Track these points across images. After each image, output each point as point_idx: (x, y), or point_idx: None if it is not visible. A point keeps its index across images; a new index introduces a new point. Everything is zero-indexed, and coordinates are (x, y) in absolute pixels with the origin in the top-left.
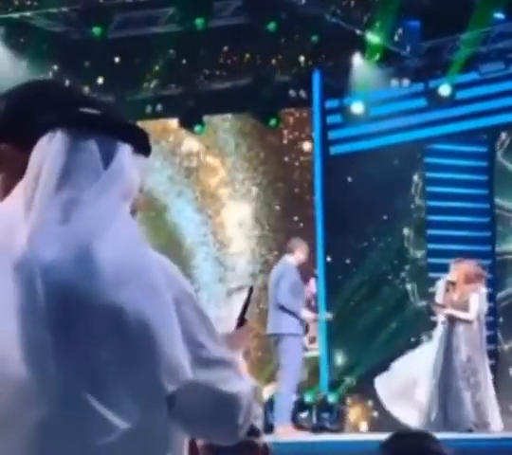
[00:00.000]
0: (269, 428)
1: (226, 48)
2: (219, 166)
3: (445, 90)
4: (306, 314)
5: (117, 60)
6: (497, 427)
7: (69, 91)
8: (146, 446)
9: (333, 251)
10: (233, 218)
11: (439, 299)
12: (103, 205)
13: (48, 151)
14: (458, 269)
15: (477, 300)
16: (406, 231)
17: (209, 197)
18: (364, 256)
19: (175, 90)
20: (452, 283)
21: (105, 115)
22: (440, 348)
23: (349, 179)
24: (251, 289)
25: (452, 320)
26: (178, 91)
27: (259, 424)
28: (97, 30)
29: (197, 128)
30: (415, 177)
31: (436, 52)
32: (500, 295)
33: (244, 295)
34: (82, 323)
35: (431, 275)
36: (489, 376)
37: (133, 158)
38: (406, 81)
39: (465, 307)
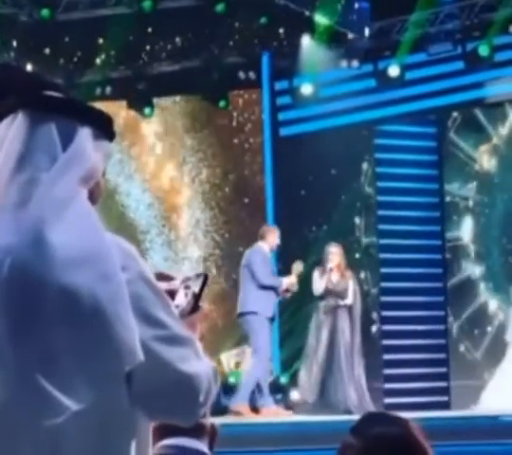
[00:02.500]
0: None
1: (174, 30)
2: (168, 148)
3: (394, 71)
4: (285, 280)
5: (65, 42)
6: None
7: (31, 75)
8: (102, 427)
9: (283, 233)
10: (183, 201)
11: (317, 285)
12: (61, 188)
13: (9, 132)
14: (340, 254)
15: (354, 285)
16: (356, 212)
17: (158, 180)
18: (315, 238)
19: (125, 72)
20: (331, 269)
21: (67, 98)
22: (324, 331)
23: (299, 161)
24: (206, 277)
25: (335, 305)
26: (127, 73)
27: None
28: (45, 12)
29: (147, 110)
30: (365, 158)
31: (385, 33)
32: (452, 279)
33: (199, 282)
34: (36, 307)
35: (382, 256)
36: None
37: (96, 142)
38: (355, 62)
39: (344, 291)
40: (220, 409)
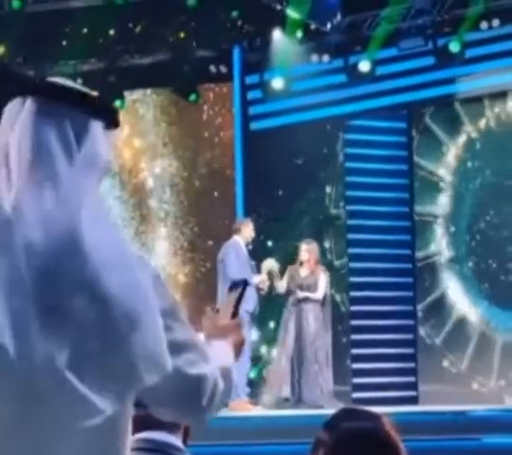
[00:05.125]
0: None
1: (146, 23)
2: (139, 141)
3: (364, 66)
4: (255, 278)
5: (35, 34)
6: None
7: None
8: (118, 430)
9: (254, 226)
10: (153, 194)
11: (278, 283)
12: (81, 185)
13: (19, 116)
14: (312, 250)
15: (325, 281)
16: (326, 207)
17: (128, 173)
18: (285, 231)
19: (96, 65)
20: (301, 263)
21: (77, 89)
22: (291, 325)
23: (269, 155)
24: (245, 285)
25: (301, 299)
26: (98, 66)
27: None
28: (16, 3)
29: (118, 103)
30: (335, 153)
31: (356, 28)
32: (418, 254)
33: (239, 289)
34: (68, 310)
35: (351, 251)
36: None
37: (105, 133)
38: (326, 57)
39: (314, 286)
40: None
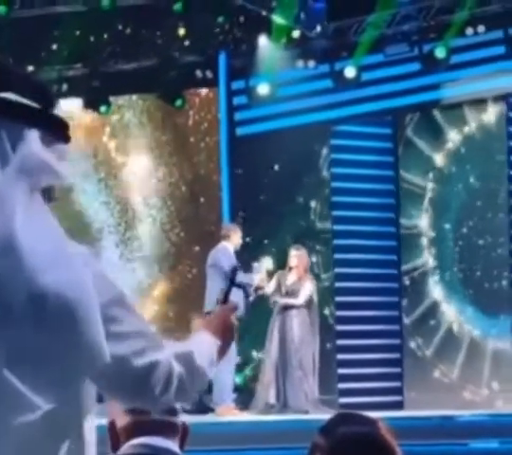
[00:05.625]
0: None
1: (132, 28)
2: (125, 147)
3: (350, 72)
4: (256, 277)
5: (21, 39)
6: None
7: None
8: (62, 427)
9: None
10: (139, 199)
11: (265, 282)
12: (15, 192)
13: None
14: (302, 256)
15: (309, 288)
16: (312, 212)
17: (113, 179)
18: (271, 237)
19: (81, 70)
20: (289, 268)
21: (16, 102)
22: (275, 331)
23: (255, 160)
24: (235, 271)
25: (286, 306)
26: (84, 71)
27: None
28: (2, 9)
29: (103, 108)
30: (321, 158)
31: (342, 34)
32: (403, 268)
33: (222, 275)
34: (6, 310)
35: (337, 256)
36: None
37: (47, 145)
38: (312, 63)
39: (297, 292)
40: (202, 408)
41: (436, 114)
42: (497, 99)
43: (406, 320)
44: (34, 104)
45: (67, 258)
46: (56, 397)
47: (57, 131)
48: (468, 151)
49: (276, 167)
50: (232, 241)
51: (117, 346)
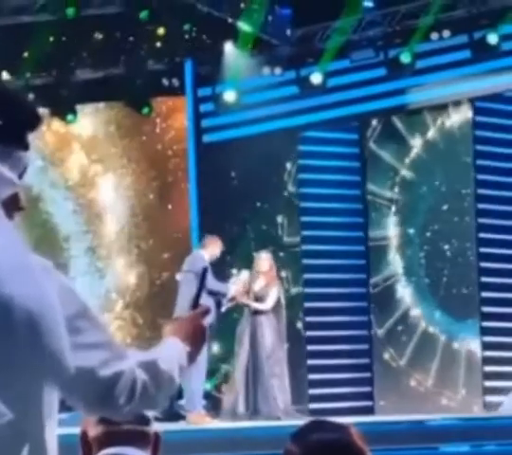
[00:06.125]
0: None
1: (98, 37)
2: (92, 155)
3: (316, 78)
4: (233, 287)
5: None
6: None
7: None
8: (18, 437)
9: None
10: (107, 207)
11: (236, 288)
12: None
13: None
14: (268, 260)
15: (276, 293)
16: (280, 219)
17: (82, 187)
18: (239, 244)
19: (48, 79)
20: (257, 273)
21: None
22: (245, 337)
23: (223, 167)
24: (205, 272)
25: (255, 311)
26: (50, 80)
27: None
28: None
29: (70, 117)
30: (288, 164)
31: (308, 40)
32: (372, 280)
33: (196, 281)
34: None
35: (305, 261)
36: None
37: (2, 155)
38: (278, 70)
39: (266, 296)
40: (173, 415)
41: (397, 122)
42: (458, 103)
43: (378, 332)
44: None
45: (31, 271)
46: (19, 406)
47: (14, 142)
48: (432, 156)
49: (244, 173)
50: (209, 251)
51: (81, 357)
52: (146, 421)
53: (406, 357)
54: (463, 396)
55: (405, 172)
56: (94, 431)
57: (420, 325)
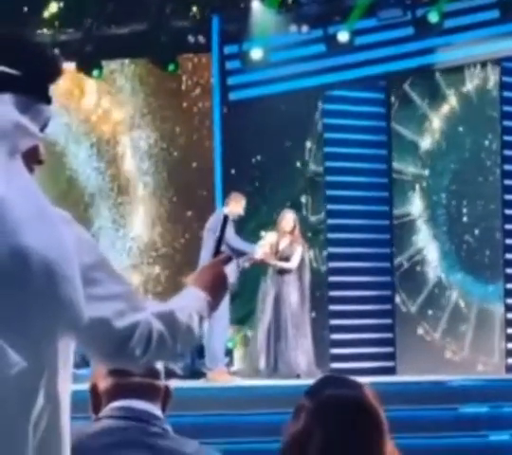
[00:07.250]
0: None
1: None
2: (117, 112)
3: (343, 36)
4: (259, 249)
5: (14, 3)
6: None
7: None
8: (33, 386)
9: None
10: (131, 164)
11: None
12: None
13: None
14: (293, 219)
15: (300, 252)
16: (303, 179)
17: (106, 143)
18: (263, 204)
19: (73, 35)
20: (283, 232)
21: None
22: (270, 296)
23: (248, 125)
24: (226, 219)
25: (280, 270)
26: (76, 36)
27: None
28: None
29: (95, 73)
30: (314, 123)
31: None
32: (398, 259)
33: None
34: None
35: (330, 221)
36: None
37: (24, 108)
38: (305, 27)
39: (290, 255)
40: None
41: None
42: (485, 64)
43: (405, 308)
44: (9, 70)
45: (49, 221)
46: (33, 355)
47: (35, 94)
48: (465, 113)
49: (269, 131)
50: (230, 208)
51: (97, 308)
52: (156, 374)
53: (440, 329)
54: (469, 354)
55: (437, 123)
56: (104, 384)
57: (434, 277)
